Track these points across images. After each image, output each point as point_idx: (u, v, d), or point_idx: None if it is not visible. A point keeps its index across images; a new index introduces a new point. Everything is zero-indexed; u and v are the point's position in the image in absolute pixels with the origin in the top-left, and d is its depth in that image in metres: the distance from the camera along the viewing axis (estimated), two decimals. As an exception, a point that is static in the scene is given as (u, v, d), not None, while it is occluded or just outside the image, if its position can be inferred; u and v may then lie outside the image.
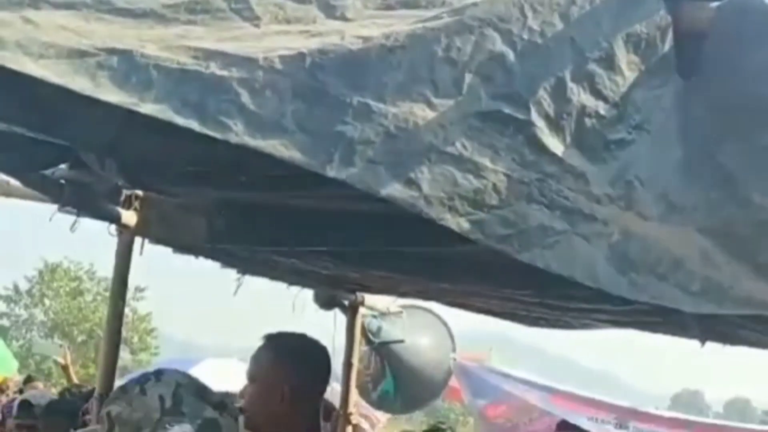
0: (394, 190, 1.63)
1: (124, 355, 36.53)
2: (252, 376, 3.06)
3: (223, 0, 2.02)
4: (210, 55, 1.79)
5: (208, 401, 2.52)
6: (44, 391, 6.80)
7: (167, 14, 2.00)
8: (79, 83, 1.72)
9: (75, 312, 36.98)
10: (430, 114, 1.69)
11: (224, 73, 1.74)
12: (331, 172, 1.63)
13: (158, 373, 2.58)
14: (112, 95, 1.71)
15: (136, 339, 37.41)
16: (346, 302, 5.67)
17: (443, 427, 6.68)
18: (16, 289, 39.05)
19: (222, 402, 2.53)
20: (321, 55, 1.75)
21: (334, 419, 5.57)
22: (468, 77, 1.74)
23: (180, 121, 1.66)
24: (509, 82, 1.75)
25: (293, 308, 5.42)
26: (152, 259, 4.70)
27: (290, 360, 3.01)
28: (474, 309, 4.93)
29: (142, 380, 2.56)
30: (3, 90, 2.15)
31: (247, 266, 5.06)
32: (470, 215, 1.65)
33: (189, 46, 1.83)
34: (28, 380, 9.51)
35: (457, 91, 1.73)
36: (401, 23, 1.87)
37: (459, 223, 1.64)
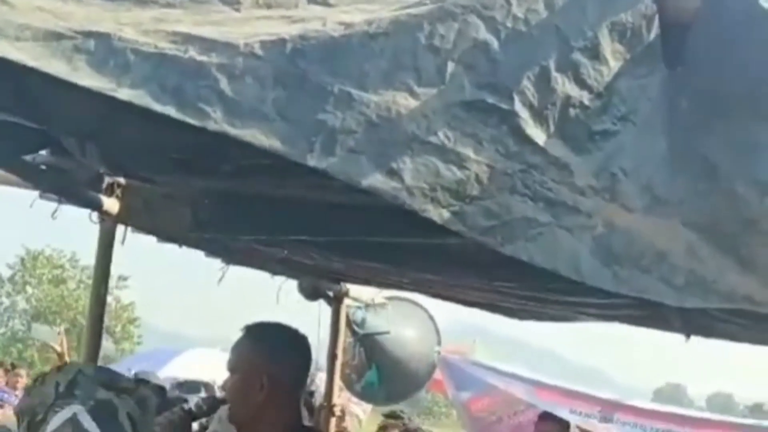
0: (376, 180, 1.60)
1: (107, 345, 36.34)
2: (232, 367, 3.04)
3: (204, -17, 1.99)
4: (189, 39, 1.75)
5: (107, 386, 2.56)
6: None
7: (147, -3, 1.97)
8: (56, 67, 1.68)
9: (57, 300, 36.84)
10: (413, 103, 1.66)
11: (203, 58, 1.71)
12: (311, 162, 1.60)
13: (62, 366, 2.67)
14: (89, 80, 1.67)
15: (119, 328, 37.29)
16: (331, 293, 5.65)
17: (402, 414, 6.70)
18: (-1, 276, 38.93)
19: (131, 388, 2.57)
20: (302, 42, 1.72)
21: (318, 411, 5.55)
22: (451, 66, 1.71)
23: (157, 107, 1.63)
24: (493, 71, 1.72)
25: (277, 299, 5.40)
26: (138, 249, 4.67)
27: (269, 350, 2.98)
28: (458, 300, 4.91)
29: (45, 373, 2.72)
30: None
31: (231, 256, 5.04)
32: (452, 206, 1.62)
33: (167, 30, 1.80)
34: (12, 368, 9.48)
35: (440, 79, 1.70)
36: (384, 10, 1.84)
37: (441, 215, 1.62)
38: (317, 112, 1.64)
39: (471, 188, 1.63)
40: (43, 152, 3.83)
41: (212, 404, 3.13)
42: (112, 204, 4.20)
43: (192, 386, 5.99)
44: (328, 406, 5.44)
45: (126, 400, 2.60)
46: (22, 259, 38.55)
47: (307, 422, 5.37)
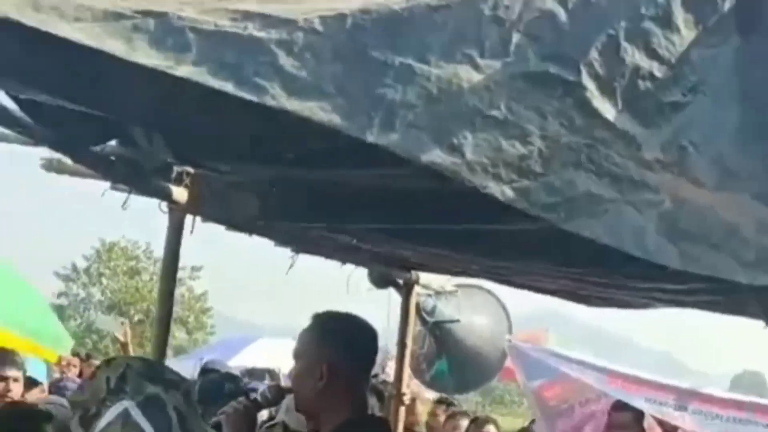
0: (436, 156, 1.56)
1: (180, 335, 37.00)
2: (295, 355, 3.04)
3: (266, -39, 1.96)
4: (248, 16, 1.73)
5: (155, 380, 2.65)
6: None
7: (207, -23, 1.95)
8: (113, 46, 1.68)
9: (132, 291, 37.41)
10: (475, 76, 1.62)
11: (262, 34, 1.68)
12: (370, 137, 1.57)
13: (110, 360, 2.85)
14: (147, 58, 1.66)
15: (192, 318, 37.80)
16: (401, 281, 5.61)
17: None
18: (74, 268, 39.64)
19: (177, 381, 2.67)
20: (363, 16, 1.69)
21: (387, 399, 5.52)
22: (516, 37, 1.66)
23: (215, 83, 1.61)
24: (559, 41, 1.67)
25: (347, 287, 5.39)
26: (211, 238, 4.69)
27: (330, 339, 2.97)
28: (531, 288, 4.84)
29: (96, 368, 2.88)
30: (48, 62, 2.13)
31: (300, 244, 5.03)
32: (515, 182, 1.58)
33: (228, 8, 1.78)
34: (87, 358, 9.63)
35: (504, 51, 1.65)
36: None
37: (503, 191, 1.57)
38: (377, 86, 1.61)
39: (534, 163, 1.58)
40: (112, 143, 3.85)
41: (277, 393, 3.14)
42: (180, 193, 4.21)
43: (258, 374, 6.02)
44: (397, 395, 5.41)
45: (173, 393, 2.70)
46: (98, 251, 39.24)
47: (377, 411, 5.36)
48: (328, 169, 3.04)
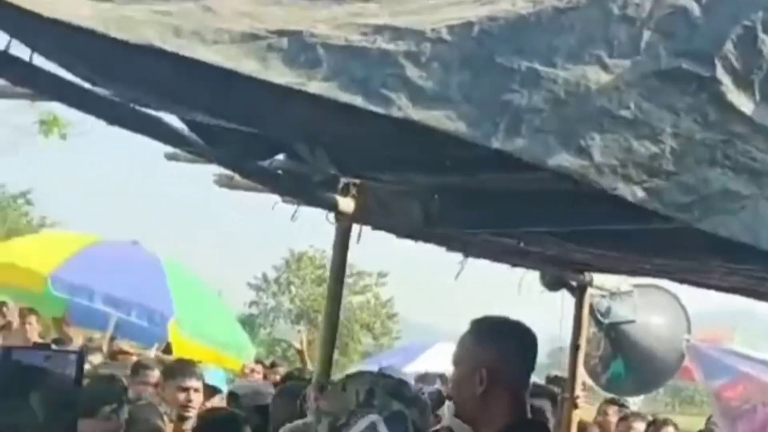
0: (563, 159, 1.54)
1: (367, 341, 37.57)
2: (455, 361, 3.04)
3: (400, -25, 1.99)
4: (378, 30, 1.76)
5: (398, 397, 2.78)
6: (253, 384, 7.03)
7: (343, -7, 1.99)
8: (249, 66, 1.73)
9: (320, 299, 38.19)
10: (604, 76, 1.60)
11: (390, 47, 1.71)
12: (495, 144, 1.57)
13: (356, 374, 3.00)
14: (280, 76, 1.71)
15: (378, 324, 38.29)
16: (574, 282, 5.54)
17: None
18: (265, 278, 40.81)
19: (415, 397, 2.79)
20: (490, 23, 1.69)
21: (560, 403, 5.46)
22: (646, 34, 1.63)
23: (344, 97, 1.64)
24: (692, 37, 1.62)
25: (519, 290, 5.36)
26: (396, 245, 4.76)
27: (489, 344, 2.95)
28: (710, 286, 4.69)
29: (344, 379, 2.96)
30: (210, 87, 2.21)
31: (470, 249, 5.04)
32: (646, 183, 1.54)
33: (359, 22, 1.81)
34: (272, 366, 9.90)
35: (634, 50, 1.62)
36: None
37: (634, 192, 1.54)
38: (503, 92, 1.61)
39: (666, 163, 1.54)
40: (279, 157, 3.97)
41: (438, 398, 3.17)
42: (347, 204, 4.29)
43: (430, 379, 6.04)
44: (570, 398, 5.33)
45: (413, 410, 2.84)
46: (287, 261, 40.26)
47: (550, 415, 5.31)
48: (487, 174, 3.04)
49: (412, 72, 1.66)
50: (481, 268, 5.21)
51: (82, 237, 10.14)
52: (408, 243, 4.92)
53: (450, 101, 1.62)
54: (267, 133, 3.14)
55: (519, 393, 2.96)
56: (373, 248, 4.31)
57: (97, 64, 2.58)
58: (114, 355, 8.05)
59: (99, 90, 2.86)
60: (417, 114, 1.60)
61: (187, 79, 2.17)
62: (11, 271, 8.68)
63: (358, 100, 1.64)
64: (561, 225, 3.59)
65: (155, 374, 6.06)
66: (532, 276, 5.48)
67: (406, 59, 1.68)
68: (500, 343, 2.95)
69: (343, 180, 4.36)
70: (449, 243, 4.92)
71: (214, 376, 5.78)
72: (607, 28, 1.64)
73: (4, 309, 9.09)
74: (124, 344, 8.53)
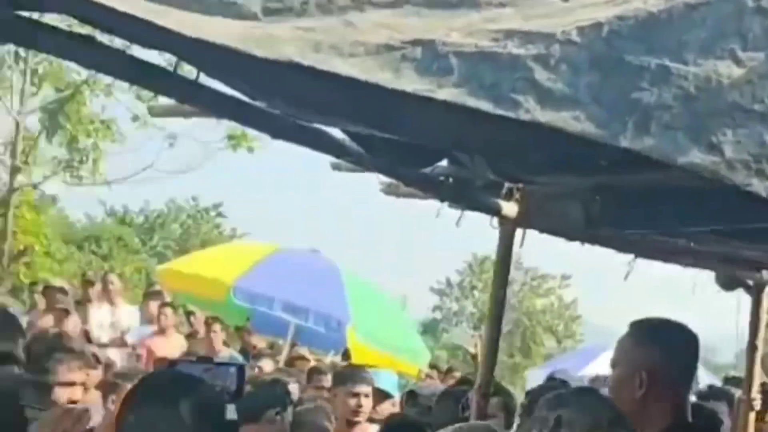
0: (694, 156, 1.53)
1: (549, 344, 37.22)
2: (614, 362, 3.01)
3: (534, -21, 2.00)
4: (509, 34, 1.78)
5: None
6: (434, 384, 7.07)
7: (480, 0, 2.01)
8: (382, 77, 1.78)
9: (502, 302, 38.00)
10: (736, 71, 1.57)
11: (521, 51, 1.72)
12: (624, 143, 1.56)
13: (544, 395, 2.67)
14: (411, 84, 1.75)
15: (561, 327, 37.90)
16: (750, 281, 5.36)
17: None
18: (448, 282, 41.03)
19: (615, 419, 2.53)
20: (619, 22, 1.68)
21: (737, 405, 5.28)
22: (782, 26, 1.59)
23: (472, 103, 1.67)
24: (829, 27, 1.58)
25: (693, 290, 5.23)
26: (576, 246, 4.75)
27: (649, 344, 2.91)
28: None
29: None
30: (359, 98, 2.28)
31: (638, 249, 4.95)
32: (781, 178, 1.50)
33: (491, 29, 1.83)
34: (449, 371, 9.96)
35: (769, 42, 1.58)
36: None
37: (768, 188, 1.51)
38: (632, 91, 1.60)
39: (803, 156, 1.50)
40: (442, 163, 4.02)
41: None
42: (510, 208, 4.30)
43: (601, 381, 5.96)
44: (747, 400, 5.16)
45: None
46: (470, 265, 40.33)
47: (726, 417, 5.14)
48: (643, 174, 3.00)
49: (540, 75, 1.67)
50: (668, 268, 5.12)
51: (263, 246, 10.47)
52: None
53: (578, 102, 1.62)
54: (420, 142, 3.19)
55: (679, 395, 2.90)
56: (557, 250, 4.30)
57: (254, 81, 2.70)
58: (292, 361, 8.28)
59: (260, 105, 2.97)
60: (544, 116, 1.62)
61: (336, 91, 2.24)
62: (197, 281, 9.06)
63: (486, 105, 1.66)
64: (724, 223, 3.50)
65: (329, 379, 6.21)
66: (707, 276, 5.35)
67: (535, 62, 1.69)
68: (660, 345, 2.90)
69: (506, 184, 4.37)
70: (618, 244, 4.85)
71: (386, 381, 5.86)
72: (740, 21, 1.61)
73: (192, 318, 9.49)
74: (302, 350, 8.75)
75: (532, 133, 2.26)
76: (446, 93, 1.71)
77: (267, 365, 7.49)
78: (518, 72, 1.69)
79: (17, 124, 17.73)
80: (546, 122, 1.61)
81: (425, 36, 1.88)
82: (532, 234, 4.44)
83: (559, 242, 4.44)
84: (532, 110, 1.63)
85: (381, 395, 5.56)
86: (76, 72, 17.16)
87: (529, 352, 35.94)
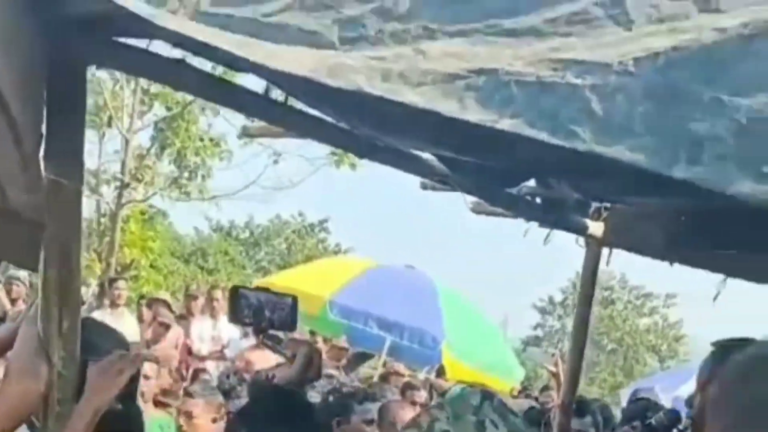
0: (744, 186, 1.56)
1: (652, 363, 36.68)
2: (702, 386, 3.00)
3: (600, 7, 2.04)
4: (569, 64, 1.83)
5: None
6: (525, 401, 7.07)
7: (546, 29, 2.07)
8: (446, 106, 1.85)
9: (606, 320, 37.70)
10: (789, 102, 1.60)
11: (578, 81, 1.78)
12: (676, 173, 1.60)
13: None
14: (475, 115, 1.82)
15: (664, 346, 37.37)
16: None
17: None
18: (551, 300, 40.78)
19: None
20: (674, 53, 1.73)
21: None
22: (835, 58, 1.61)
23: (530, 132, 1.73)
24: None
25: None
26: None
27: None
28: None
29: None
30: (438, 125, 2.36)
31: (729, 270, 4.91)
32: (831, 206, 1.53)
33: (553, 58, 1.89)
34: (544, 389, 9.92)
35: (821, 74, 1.61)
36: (771, 9, 1.78)
37: (818, 216, 1.53)
38: (686, 122, 1.64)
39: None
40: (529, 183, 4.07)
41: (673, 417, 3.13)
42: (597, 227, 4.32)
43: (689, 401, 5.90)
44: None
45: None
46: (574, 283, 40.02)
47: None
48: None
49: (597, 105, 1.72)
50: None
51: (360, 262, 10.60)
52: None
53: (632, 132, 1.67)
54: (502, 166, 3.24)
55: None
56: (662, 270, 4.33)
57: (337, 106, 2.80)
58: (387, 376, 8.37)
59: (346, 126, 3.07)
60: (599, 148, 1.67)
61: (416, 117, 2.32)
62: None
63: (543, 135, 1.72)
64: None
65: (422, 394, 6.29)
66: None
67: (592, 92, 1.74)
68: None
69: (594, 204, 4.40)
70: (707, 264, 4.83)
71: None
72: (794, 53, 1.64)
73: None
74: (398, 366, 8.84)
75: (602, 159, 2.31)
76: (506, 123, 1.77)
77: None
78: (576, 102, 1.75)
79: (127, 142, 18.27)
80: (600, 153, 1.66)
81: (489, 65, 1.94)
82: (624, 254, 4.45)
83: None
84: (588, 141, 1.68)
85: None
86: (186, 90, 17.54)
87: (632, 372, 35.46)
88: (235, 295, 2.76)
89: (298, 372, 2.69)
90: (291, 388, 2.96)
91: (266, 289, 2.93)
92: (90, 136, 17.52)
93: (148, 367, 6.52)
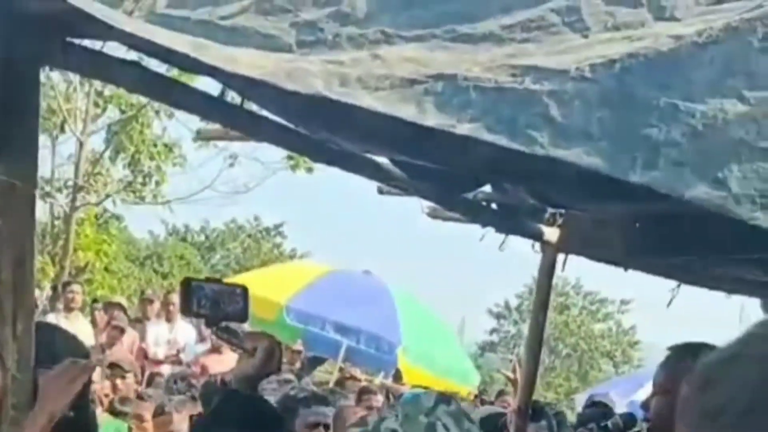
0: (700, 191, 1.58)
1: (607, 368, 36.98)
2: (661, 390, 3.00)
3: (557, 14, 2.05)
4: (527, 70, 1.84)
5: None
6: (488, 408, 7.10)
7: (503, 35, 2.08)
8: (405, 111, 1.85)
9: (561, 326, 37.96)
10: (742, 108, 1.62)
11: (537, 87, 1.78)
12: (633, 177, 1.62)
13: None
14: (433, 119, 1.82)
15: (619, 352, 37.70)
16: (799, 309, 5.32)
17: None
18: (507, 305, 41.01)
19: None
20: (630, 60, 1.74)
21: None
22: (788, 65, 1.63)
23: (489, 137, 1.73)
24: (835, 66, 1.62)
25: (740, 317, 5.23)
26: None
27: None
28: None
29: None
30: (396, 130, 2.36)
31: (683, 276, 4.96)
32: (787, 212, 1.55)
33: (511, 64, 1.90)
34: (500, 394, 9.96)
35: (775, 81, 1.63)
36: (725, 17, 1.80)
37: (774, 222, 1.55)
38: (641, 127, 1.66)
39: (806, 191, 1.54)
40: (485, 189, 4.08)
41: (628, 421, 3.15)
42: (552, 233, 4.35)
43: (644, 406, 5.95)
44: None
45: None
46: (530, 289, 40.21)
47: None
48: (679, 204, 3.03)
49: (555, 111, 1.73)
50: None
51: (317, 267, 10.60)
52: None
53: (590, 137, 1.68)
54: (458, 171, 3.25)
55: None
56: (617, 275, 4.36)
57: (292, 110, 2.79)
58: (343, 381, 8.36)
59: (302, 130, 3.06)
60: (556, 152, 1.68)
61: (372, 122, 2.32)
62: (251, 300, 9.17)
63: (502, 140, 1.73)
64: (764, 250, 3.51)
65: (378, 399, 6.30)
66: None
67: (550, 98, 1.75)
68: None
69: (549, 210, 4.42)
70: (661, 271, 4.87)
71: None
72: (747, 61, 1.66)
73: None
74: (355, 371, 8.84)
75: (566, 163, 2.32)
76: (465, 127, 1.78)
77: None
78: (534, 108, 1.75)
79: (81, 144, 18.11)
80: (559, 157, 1.67)
81: (448, 70, 1.95)
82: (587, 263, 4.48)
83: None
84: (546, 145, 1.69)
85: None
86: (141, 93, 17.42)
87: (586, 377, 35.73)
88: (188, 287, 2.74)
89: (259, 365, 2.68)
90: (259, 395, 2.94)
91: (218, 281, 2.91)
92: (43, 140, 17.39)
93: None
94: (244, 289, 2.86)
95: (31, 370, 2.35)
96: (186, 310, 2.86)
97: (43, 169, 17.87)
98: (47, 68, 2.69)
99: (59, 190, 18.58)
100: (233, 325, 2.81)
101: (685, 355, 3.03)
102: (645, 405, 3.35)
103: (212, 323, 2.80)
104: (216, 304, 2.76)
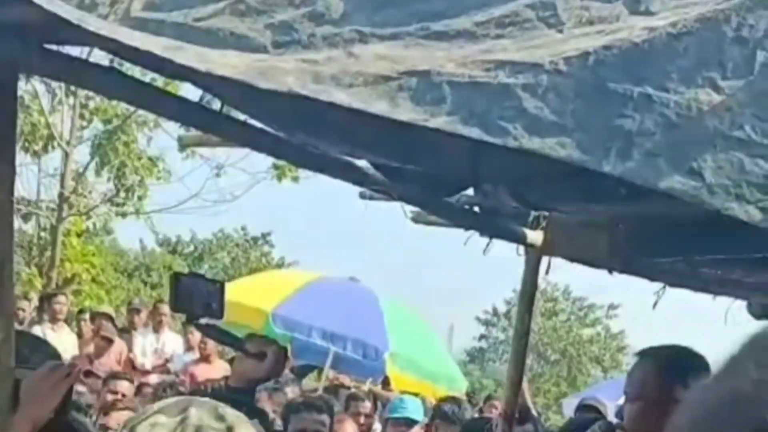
0: (674, 182, 1.56)
1: (596, 373, 36.97)
2: (635, 396, 2.97)
3: (532, 10, 2.04)
4: (501, 65, 1.83)
5: None
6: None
7: (478, 32, 2.06)
8: (379, 107, 1.84)
9: (550, 331, 37.93)
10: (716, 98, 1.61)
11: (510, 80, 1.77)
12: (606, 168, 1.60)
13: None
14: (406, 114, 1.81)
15: (607, 357, 37.69)
16: (783, 310, 5.31)
17: None
18: (495, 311, 40.95)
19: None
20: (605, 52, 1.73)
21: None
22: (761, 55, 1.63)
23: (463, 131, 1.72)
24: (808, 54, 1.61)
25: (725, 319, 5.20)
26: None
27: (675, 374, 2.85)
28: None
29: None
30: (375, 130, 2.35)
31: (669, 278, 4.95)
32: (761, 202, 1.54)
33: (485, 59, 1.88)
34: (488, 399, 9.96)
35: (748, 71, 1.62)
36: (701, 8, 1.79)
37: (748, 212, 1.54)
38: (615, 118, 1.64)
39: (781, 181, 1.53)
40: (468, 192, 4.06)
41: (607, 429, 3.14)
42: (535, 236, 4.32)
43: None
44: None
45: None
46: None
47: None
48: (662, 203, 3.02)
49: (529, 103, 1.72)
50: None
51: (303, 275, 10.57)
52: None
53: (564, 129, 1.67)
54: (439, 172, 3.23)
55: None
56: (605, 280, 4.32)
57: (271, 112, 2.77)
58: (332, 388, 8.34)
59: (281, 135, 3.04)
60: (532, 144, 1.66)
61: (352, 123, 2.30)
62: (236, 309, 9.14)
63: (475, 133, 1.71)
64: (749, 251, 3.50)
65: (366, 405, 6.27)
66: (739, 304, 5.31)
67: (523, 91, 1.74)
68: (686, 374, 2.83)
69: (533, 213, 4.40)
70: (646, 273, 4.86)
71: (412, 407, 5.91)
72: (720, 50, 1.65)
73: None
74: (343, 378, 8.82)
75: (549, 162, 2.31)
76: (439, 121, 1.76)
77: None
78: (507, 101, 1.74)
79: (67, 155, 18.05)
80: (532, 149, 1.65)
81: (421, 66, 1.93)
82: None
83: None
84: (520, 138, 1.68)
85: (408, 422, 5.60)
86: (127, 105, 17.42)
87: (575, 382, 35.71)
88: (177, 282, 2.73)
89: (269, 369, 2.69)
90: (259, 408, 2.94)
91: (201, 276, 2.91)
92: (27, 156, 17.34)
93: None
94: (221, 284, 2.86)
95: (12, 376, 2.33)
96: (175, 307, 2.85)
97: (29, 187, 17.87)
98: (26, 79, 2.67)
99: (41, 207, 18.52)
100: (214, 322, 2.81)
101: (647, 359, 3.01)
102: (619, 413, 3.34)
103: (192, 319, 2.79)
104: (201, 299, 2.76)
